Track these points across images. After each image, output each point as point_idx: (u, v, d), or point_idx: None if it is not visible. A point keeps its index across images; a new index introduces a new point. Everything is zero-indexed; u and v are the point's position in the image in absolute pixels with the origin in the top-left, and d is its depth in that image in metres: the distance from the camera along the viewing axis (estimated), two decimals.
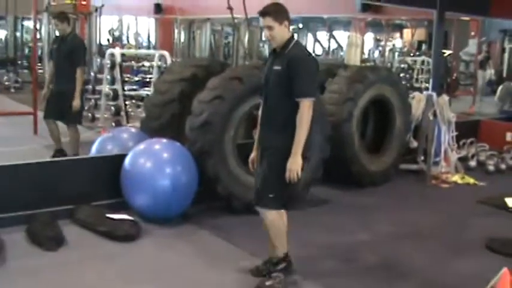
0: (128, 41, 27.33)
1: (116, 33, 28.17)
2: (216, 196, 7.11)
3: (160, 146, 7.00)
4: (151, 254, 6.03)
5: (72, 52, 9.23)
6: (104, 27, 22.29)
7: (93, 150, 7.94)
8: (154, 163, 6.75)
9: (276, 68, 5.15)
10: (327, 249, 6.39)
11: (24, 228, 6.31)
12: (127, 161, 6.88)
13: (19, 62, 22.23)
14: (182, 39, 23.56)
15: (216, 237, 6.44)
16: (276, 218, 5.27)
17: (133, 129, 8.63)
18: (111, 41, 25.95)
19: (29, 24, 25.39)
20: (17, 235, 6.18)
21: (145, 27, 28.70)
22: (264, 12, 5.12)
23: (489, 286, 5.00)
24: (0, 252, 5.68)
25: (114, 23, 28.33)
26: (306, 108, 4.97)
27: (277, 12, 5.13)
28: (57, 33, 10.09)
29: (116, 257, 5.92)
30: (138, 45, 26.22)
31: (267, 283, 5.23)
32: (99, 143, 7.99)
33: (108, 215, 6.58)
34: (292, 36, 5.23)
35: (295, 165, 4.91)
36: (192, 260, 5.88)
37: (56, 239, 6.08)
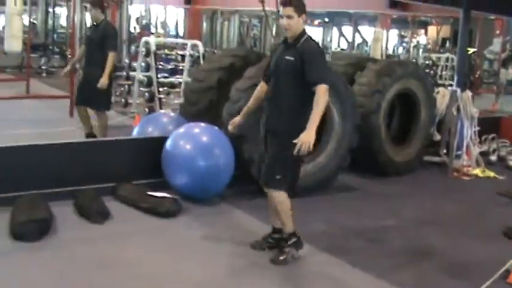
0: (156, 30, 27.72)
1: (143, 22, 28.57)
2: (252, 179, 7.43)
3: (200, 129, 7.42)
4: (192, 229, 6.46)
5: (104, 39, 9.38)
6: (132, 16, 22.65)
7: (135, 133, 8.38)
8: (194, 145, 7.18)
9: (288, 58, 5.48)
10: (354, 231, 6.80)
11: (71, 202, 6.74)
12: (168, 143, 7.30)
13: (50, 47, 22.54)
14: (210, 29, 23.91)
15: (250, 216, 6.85)
16: (284, 198, 5.61)
17: (172, 114, 9.03)
18: (138, 29, 26.27)
19: (59, 10, 25.76)
20: (66, 209, 6.61)
21: (173, 16, 29.08)
22: (286, 2, 5.46)
23: (505, 268, 5.41)
24: (52, 223, 6.13)
25: (142, 12, 28.72)
26: (322, 93, 5.31)
27: (298, 5, 5.47)
28: (90, 20, 10.33)
29: (159, 231, 6.36)
30: (166, 34, 26.59)
31: (281, 257, 5.63)
32: (140, 126, 8.41)
33: (149, 193, 7.02)
34: (305, 30, 5.56)
35: (308, 138, 5.19)
36: (228, 236, 6.30)
37: (102, 213, 6.52)
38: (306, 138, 5.19)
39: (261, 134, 5.89)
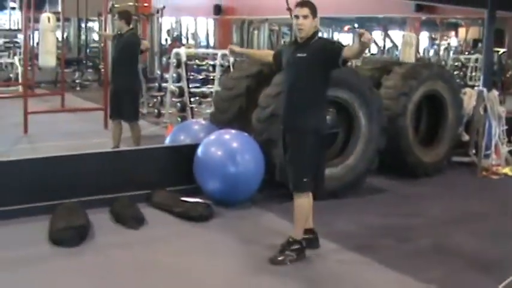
0: (187, 41, 28.05)
1: (175, 34, 28.92)
2: (282, 183, 7.68)
3: (230, 136, 7.66)
4: (224, 232, 6.68)
5: (126, 47, 9.63)
6: (163, 28, 22.96)
7: (167, 141, 8.63)
8: (225, 152, 7.40)
9: (300, 55, 5.73)
10: (383, 230, 6.96)
11: (107, 209, 7.01)
12: (199, 150, 7.53)
13: (83, 61, 22.98)
14: (240, 39, 24.16)
15: (281, 219, 7.02)
16: (308, 201, 5.83)
17: (203, 122, 9.27)
18: (169, 41, 26.61)
19: (91, 25, 26.18)
20: (102, 215, 6.88)
21: (204, 27, 29.39)
22: (303, 3, 5.75)
23: None
24: (90, 230, 6.39)
25: (172, 24, 29.08)
26: (349, 49, 5.61)
27: (313, 7, 5.74)
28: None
29: (192, 234, 6.61)
30: (197, 45, 26.90)
31: (279, 258, 5.78)
32: (173, 134, 8.67)
33: (182, 198, 7.26)
34: (316, 32, 5.83)
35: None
36: (260, 237, 6.51)
37: (137, 218, 6.78)
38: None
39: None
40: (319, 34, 6.04)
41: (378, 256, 6.08)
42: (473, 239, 6.81)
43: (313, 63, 5.68)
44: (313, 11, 5.73)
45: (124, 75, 9.65)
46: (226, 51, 10.89)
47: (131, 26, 10.05)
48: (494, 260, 6.23)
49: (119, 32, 9.98)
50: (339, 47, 5.68)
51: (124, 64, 9.68)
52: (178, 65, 12.76)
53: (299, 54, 5.76)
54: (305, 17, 5.69)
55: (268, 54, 6.55)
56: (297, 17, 5.72)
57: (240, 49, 6.87)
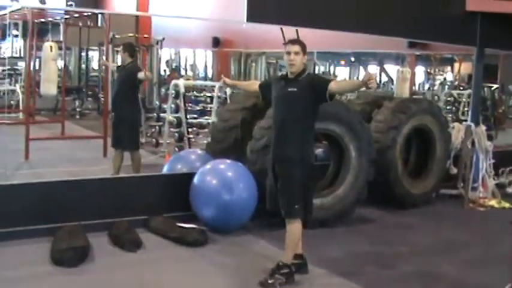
0: (186, 72, 28.38)
1: (174, 65, 29.26)
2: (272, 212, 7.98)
3: (225, 165, 7.98)
4: (218, 257, 6.98)
5: (128, 78, 9.88)
6: (162, 59, 23.29)
7: (165, 169, 8.97)
8: (220, 180, 7.73)
9: (291, 89, 6.11)
10: (369, 257, 7.27)
11: (106, 233, 7.34)
12: (196, 178, 7.86)
13: (83, 90, 23.24)
14: (238, 71, 24.49)
15: (272, 246, 7.31)
16: (299, 227, 6.12)
17: (199, 151, 9.59)
18: (168, 72, 26.91)
19: (92, 54, 26.49)
20: (101, 239, 7.19)
21: (202, 59, 29.73)
22: (294, 41, 6.27)
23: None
24: (89, 251, 6.69)
25: (171, 55, 29.41)
26: (336, 83, 6.17)
27: (303, 46, 6.18)
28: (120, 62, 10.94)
29: (187, 259, 6.90)
30: (195, 76, 27.23)
31: (269, 281, 6.04)
32: (170, 163, 9.01)
33: (179, 224, 7.57)
34: (305, 68, 6.25)
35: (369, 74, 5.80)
36: (252, 263, 6.80)
37: (136, 242, 7.09)
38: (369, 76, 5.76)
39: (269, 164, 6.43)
40: (309, 70, 6.41)
41: (363, 281, 6.38)
42: (457, 267, 7.11)
43: (302, 97, 6.07)
44: (304, 48, 6.15)
45: (125, 105, 9.92)
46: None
47: (134, 58, 10.29)
48: (475, 286, 6.55)
49: (122, 64, 10.28)
50: (325, 81, 6.10)
51: (125, 95, 9.95)
52: (177, 96, 13.07)
53: (290, 89, 6.13)
54: (296, 53, 6.09)
55: (254, 84, 6.98)
56: (288, 53, 6.12)
57: (231, 81, 7.28)
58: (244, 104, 9.08)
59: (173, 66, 29.07)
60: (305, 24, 8.63)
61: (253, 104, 8.92)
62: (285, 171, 6.14)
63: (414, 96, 17.87)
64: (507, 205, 10.37)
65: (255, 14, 7.83)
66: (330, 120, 8.16)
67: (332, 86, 5.96)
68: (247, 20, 7.82)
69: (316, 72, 24.34)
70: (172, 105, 13.25)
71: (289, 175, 6.10)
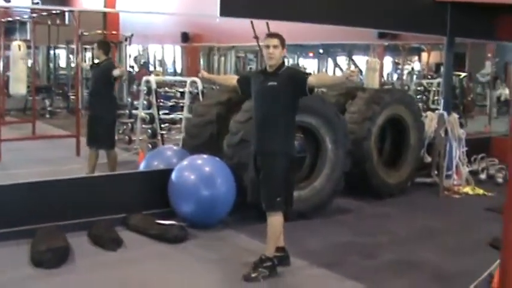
0: (155, 68, 28.27)
1: (142, 61, 29.11)
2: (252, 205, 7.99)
3: (202, 161, 7.97)
4: (198, 252, 6.99)
5: (103, 76, 9.84)
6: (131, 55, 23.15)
7: (142, 166, 8.93)
8: (197, 176, 7.73)
9: (271, 83, 6.14)
10: (349, 247, 7.34)
11: (85, 233, 7.28)
12: (173, 174, 7.84)
13: (52, 89, 23.03)
14: (207, 66, 24.45)
15: (252, 239, 7.33)
16: (280, 220, 6.14)
17: (175, 147, 9.56)
18: (136, 68, 26.73)
19: (59, 52, 26.24)
20: (80, 238, 7.14)
21: (170, 54, 29.62)
22: (272, 34, 6.33)
23: (487, 272, 5.88)
24: (69, 252, 6.63)
25: (139, 51, 29.26)
26: (315, 79, 6.25)
27: (282, 39, 6.21)
28: (91, 60, 10.89)
29: (168, 255, 6.88)
30: (164, 72, 27.11)
31: (253, 275, 6.07)
32: (147, 160, 8.97)
33: (158, 221, 7.54)
34: (284, 62, 6.30)
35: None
36: (232, 257, 6.81)
37: (116, 241, 7.05)
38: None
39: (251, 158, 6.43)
40: (286, 62, 6.43)
41: (345, 271, 6.43)
42: (435, 254, 7.19)
43: (283, 92, 6.10)
44: (282, 42, 6.19)
45: (101, 104, 9.88)
46: (196, 78, 11.20)
47: (108, 56, 10.22)
48: (455, 272, 6.61)
49: (96, 62, 10.20)
50: (304, 76, 6.17)
51: (101, 93, 9.94)
52: (149, 93, 13.00)
53: (270, 83, 6.16)
54: (275, 47, 6.13)
55: (231, 78, 7.06)
56: (267, 46, 6.16)
57: (208, 75, 7.30)
58: (219, 99, 9.07)
59: (141, 63, 28.92)
60: (277, 17, 8.62)
61: (228, 98, 8.92)
62: (268, 165, 6.15)
63: (385, 87, 17.97)
64: (481, 191, 10.49)
65: (227, 8, 7.80)
66: (306, 113, 8.14)
67: (311, 80, 6.03)
68: (221, 15, 7.79)
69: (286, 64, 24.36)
70: (144, 102, 13.17)
71: (272, 168, 6.12)
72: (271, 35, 6.35)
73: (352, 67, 26.05)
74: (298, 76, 6.24)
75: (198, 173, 7.77)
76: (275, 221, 6.12)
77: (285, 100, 6.14)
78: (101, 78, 9.93)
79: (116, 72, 9.69)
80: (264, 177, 6.16)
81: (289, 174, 6.19)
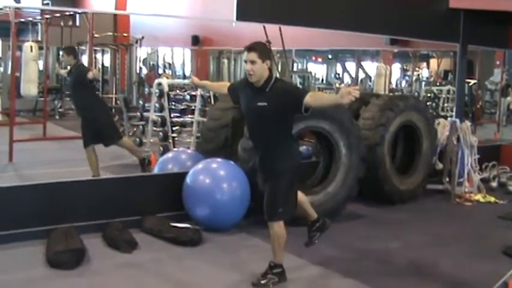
0: (164, 71, 28.29)
1: (151, 63, 29.12)
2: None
3: (218, 164, 8.01)
4: (213, 256, 7.01)
5: (77, 79, 9.86)
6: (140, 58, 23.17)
7: (156, 169, 8.96)
8: (213, 179, 7.76)
9: (260, 104, 5.72)
10: (363, 253, 7.35)
11: (99, 235, 7.32)
12: (188, 177, 7.88)
13: (62, 90, 23.05)
14: (217, 69, 24.44)
15: (266, 243, 7.29)
16: (282, 229, 6.08)
17: (190, 151, 9.60)
18: (144, 71, 26.71)
19: None
20: (95, 240, 7.18)
21: (180, 57, 29.63)
22: (250, 48, 5.70)
23: (502, 280, 5.88)
24: (84, 254, 6.66)
25: (148, 54, 29.28)
26: (312, 94, 5.57)
27: (262, 51, 5.72)
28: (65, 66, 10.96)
29: (183, 258, 6.91)
30: (173, 75, 27.14)
31: (262, 281, 6.07)
32: (161, 163, 9.01)
33: (172, 224, 7.58)
34: (271, 74, 5.79)
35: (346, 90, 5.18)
36: (246, 261, 6.86)
37: (131, 243, 7.08)
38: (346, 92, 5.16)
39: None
40: (275, 74, 6.08)
41: (360, 277, 6.44)
42: (449, 261, 7.20)
43: (274, 112, 5.75)
44: (262, 54, 5.70)
45: (87, 106, 9.97)
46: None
47: (77, 59, 10.34)
48: (469, 280, 6.63)
49: (69, 68, 10.27)
50: (300, 95, 5.58)
51: (83, 97, 10.00)
52: (161, 95, 13.03)
53: (259, 103, 5.75)
54: (252, 62, 5.66)
55: (223, 86, 6.50)
56: (245, 62, 5.76)
57: (199, 81, 6.86)
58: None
59: (151, 65, 28.95)
60: (294, 22, 8.68)
61: None
62: (272, 181, 6.02)
63: (396, 93, 17.99)
64: (492, 199, 10.48)
65: (244, 13, 7.84)
66: (319, 118, 8.20)
67: (308, 100, 5.47)
68: (237, 19, 7.82)
69: (295, 69, 24.39)
70: (156, 105, 13.20)
71: (276, 185, 5.98)
72: (248, 47, 5.73)
73: (355, 85, 26.02)
74: (293, 95, 5.69)
75: (212, 177, 7.81)
76: (278, 229, 6.05)
77: (278, 121, 5.82)
78: (78, 84, 9.94)
79: (90, 76, 9.73)
80: (269, 189, 6.07)
81: (293, 186, 6.07)
